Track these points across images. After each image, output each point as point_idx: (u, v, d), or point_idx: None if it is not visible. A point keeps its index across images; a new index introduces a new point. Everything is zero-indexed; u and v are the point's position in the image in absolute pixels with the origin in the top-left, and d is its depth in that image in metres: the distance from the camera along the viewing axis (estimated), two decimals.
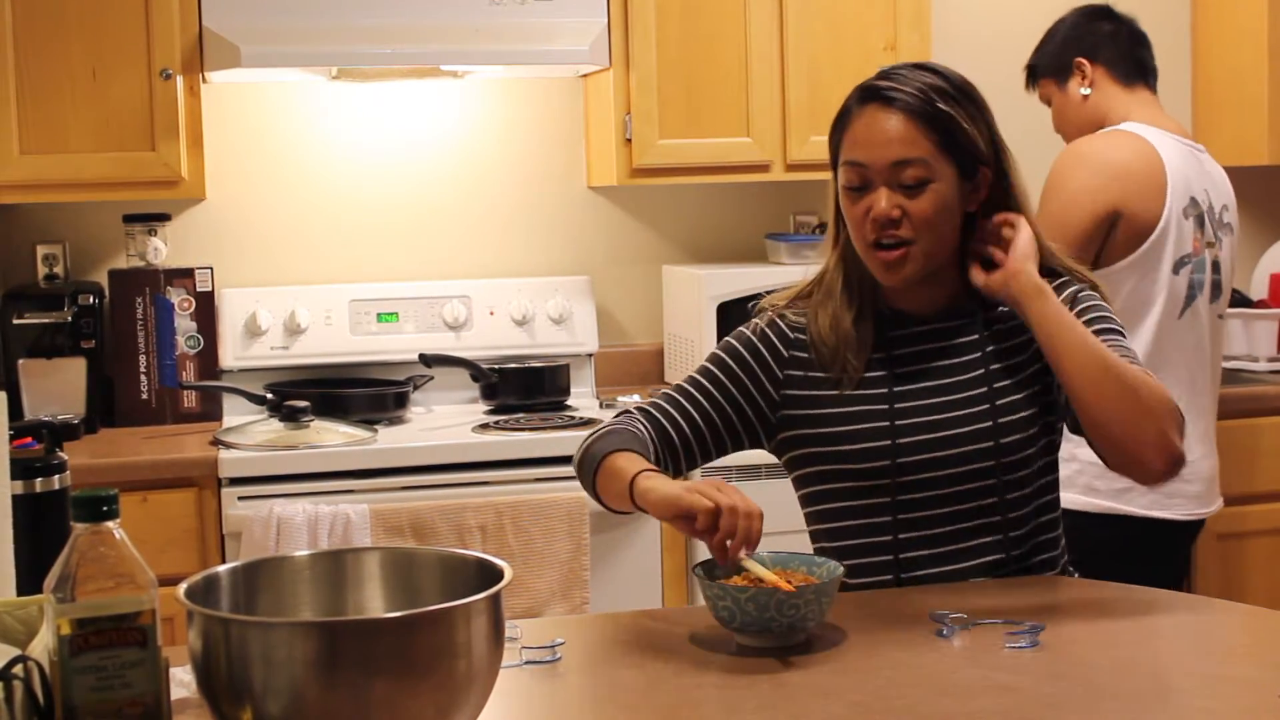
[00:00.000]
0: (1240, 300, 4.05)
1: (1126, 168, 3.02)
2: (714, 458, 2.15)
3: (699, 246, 4.05)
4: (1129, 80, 3.19)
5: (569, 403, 3.75)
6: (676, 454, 2.12)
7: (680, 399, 2.13)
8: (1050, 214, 2.98)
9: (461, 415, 3.64)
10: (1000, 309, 2.10)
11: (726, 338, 2.19)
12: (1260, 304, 4.06)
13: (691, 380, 2.15)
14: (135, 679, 1.36)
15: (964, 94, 2.06)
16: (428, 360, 3.65)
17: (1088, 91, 3.19)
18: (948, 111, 2.03)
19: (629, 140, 3.67)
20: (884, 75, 2.08)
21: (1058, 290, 2.08)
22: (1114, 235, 3.00)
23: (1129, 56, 3.20)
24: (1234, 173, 4.32)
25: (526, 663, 1.75)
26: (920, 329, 2.12)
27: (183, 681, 1.62)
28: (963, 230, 2.09)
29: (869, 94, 2.06)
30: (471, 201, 3.97)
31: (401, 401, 3.65)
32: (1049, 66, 3.26)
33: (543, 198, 4.01)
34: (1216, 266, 3.13)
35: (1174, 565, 3.21)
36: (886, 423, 2.07)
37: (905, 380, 2.10)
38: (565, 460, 3.31)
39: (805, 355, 2.13)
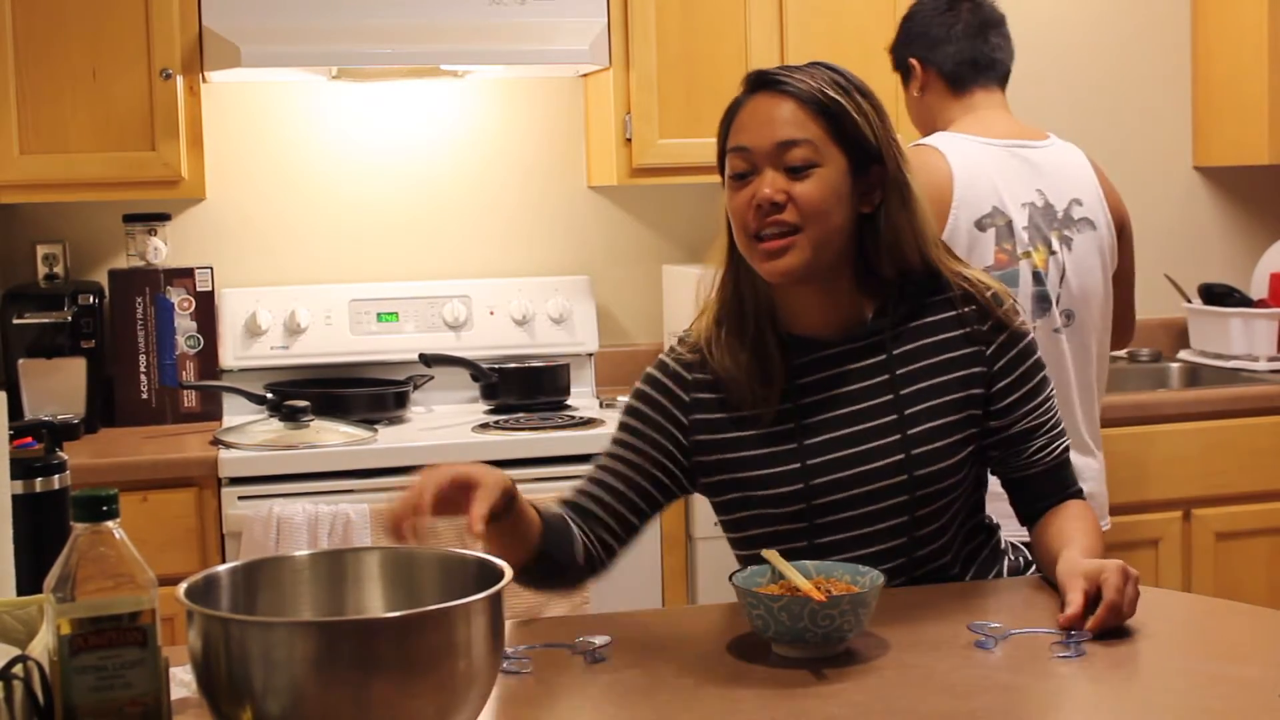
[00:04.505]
0: (1240, 300, 4.05)
1: None
2: (653, 517, 2.09)
3: (699, 246, 4.05)
4: (957, 85, 3.04)
5: (569, 403, 3.75)
6: (613, 531, 2.05)
7: (601, 478, 2.07)
8: None
9: (461, 415, 3.64)
10: (910, 324, 2.03)
11: (631, 394, 2.12)
12: (1260, 304, 4.06)
13: (608, 454, 2.09)
14: (135, 679, 1.36)
15: (857, 89, 2.00)
16: (428, 360, 3.65)
17: (919, 94, 3.09)
18: (836, 99, 1.97)
19: (629, 140, 3.67)
20: (778, 69, 2.03)
21: (1007, 342, 2.02)
22: None
23: (963, 55, 3.03)
24: (1234, 173, 4.35)
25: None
26: (823, 354, 2.03)
27: (183, 681, 1.62)
28: (859, 235, 2.00)
29: (757, 82, 2.01)
30: (471, 201, 3.97)
31: (401, 401, 3.65)
32: (895, 61, 3.13)
33: (543, 198, 4.01)
34: (1039, 278, 2.93)
35: None
36: (798, 464, 2.00)
37: (812, 411, 2.02)
38: (566, 460, 3.34)
39: (707, 395, 2.05)
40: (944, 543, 2.05)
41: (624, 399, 3.61)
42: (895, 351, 2.02)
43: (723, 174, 2.04)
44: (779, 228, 1.95)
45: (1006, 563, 2.15)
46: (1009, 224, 2.91)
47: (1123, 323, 3.18)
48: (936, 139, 2.99)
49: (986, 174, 2.92)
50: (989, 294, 2.04)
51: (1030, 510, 2.09)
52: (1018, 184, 2.95)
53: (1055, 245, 2.96)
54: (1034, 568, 2.16)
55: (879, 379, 2.02)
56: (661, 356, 2.11)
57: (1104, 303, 3.05)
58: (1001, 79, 3.08)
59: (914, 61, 3.07)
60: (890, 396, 2.01)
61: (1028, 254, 2.93)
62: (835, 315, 2.03)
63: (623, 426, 2.10)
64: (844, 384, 2.02)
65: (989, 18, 3.07)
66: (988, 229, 2.90)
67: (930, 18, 3.07)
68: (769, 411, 2.02)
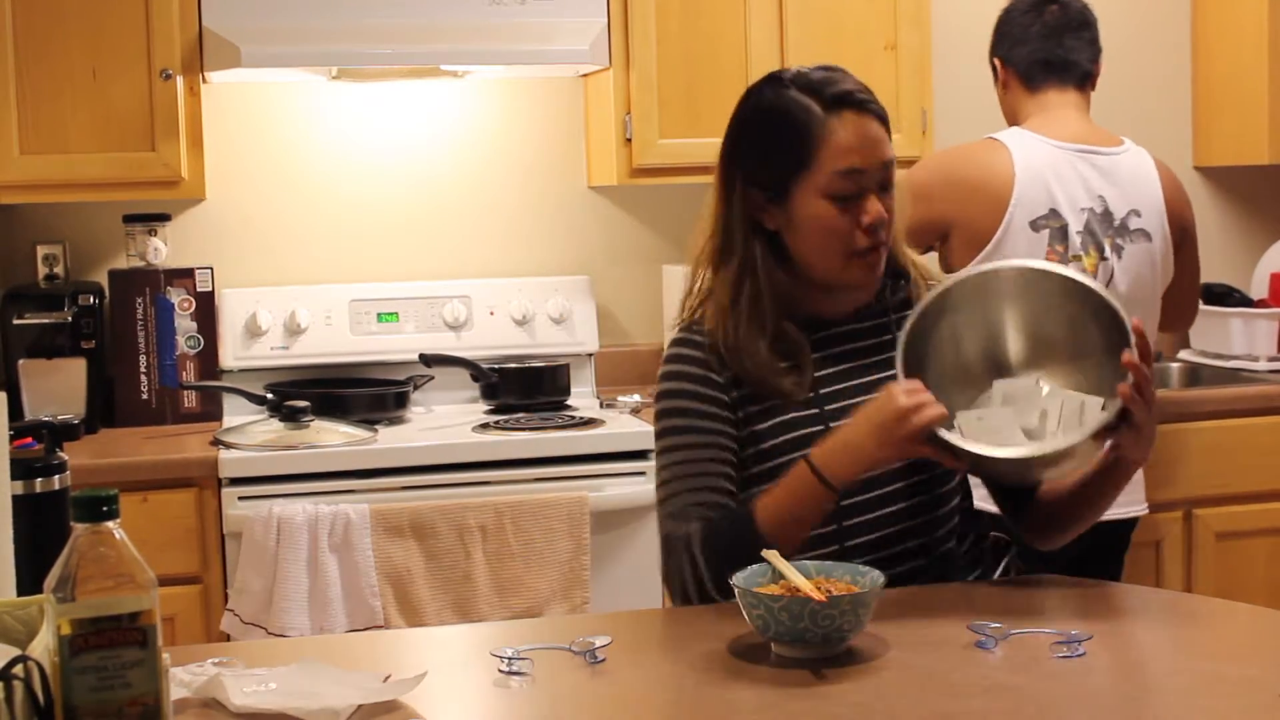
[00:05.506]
0: (1240, 300, 4.05)
1: (964, 179, 3.01)
2: None
3: None
4: (1031, 84, 3.14)
5: (569, 403, 3.75)
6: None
7: (705, 458, 2.05)
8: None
9: (461, 415, 3.64)
10: (907, 308, 2.10)
11: (669, 383, 2.10)
12: (1260, 304, 4.06)
13: (694, 443, 2.06)
14: (135, 679, 1.36)
15: None
16: (428, 360, 3.65)
17: (1001, 92, 3.21)
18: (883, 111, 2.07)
19: (629, 140, 3.67)
20: (830, 76, 2.05)
21: None
22: (950, 244, 3.02)
23: (1036, 55, 3.14)
24: (1234, 172, 4.34)
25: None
26: (838, 330, 2.12)
27: (183, 681, 1.62)
28: None
29: (840, 101, 2.02)
30: (471, 201, 3.97)
31: (401, 401, 3.65)
32: (990, 63, 3.25)
33: (543, 198, 4.01)
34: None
35: (1108, 568, 3.12)
36: (820, 426, 2.04)
37: (830, 382, 2.09)
38: (566, 460, 3.34)
39: (730, 373, 2.08)
40: (954, 506, 2.11)
41: (625, 399, 3.67)
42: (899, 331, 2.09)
43: (783, 188, 2.04)
44: (878, 242, 2.03)
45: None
46: (1064, 227, 3.01)
47: (1179, 321, 3.35)
48: (1008, 135, 3.09)
49: (1049, 176, 3.01)
50: (926, 282, 2.15)
51: (1014, 500, 2.13)
52: (1079, 189, 3.03)
53: (1107, 252, 3.05)
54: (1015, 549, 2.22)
55: (889, 355, 2.05)
56: (689, 351, 2.10)
57: (1149, 313, 3.12)
58: (1079, 80, 3.16)
59: (996, 60, 3.21)
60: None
61: (1078, 257, 3.02)
62: (849, 301, 2.13)
63: (689, 412, 2.08)
64: (859, 359, 2.11)
65: (1071, 20, 3.16)
66: (1041, 229, 3.00)
67: (1014, 18, 3.21)
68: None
